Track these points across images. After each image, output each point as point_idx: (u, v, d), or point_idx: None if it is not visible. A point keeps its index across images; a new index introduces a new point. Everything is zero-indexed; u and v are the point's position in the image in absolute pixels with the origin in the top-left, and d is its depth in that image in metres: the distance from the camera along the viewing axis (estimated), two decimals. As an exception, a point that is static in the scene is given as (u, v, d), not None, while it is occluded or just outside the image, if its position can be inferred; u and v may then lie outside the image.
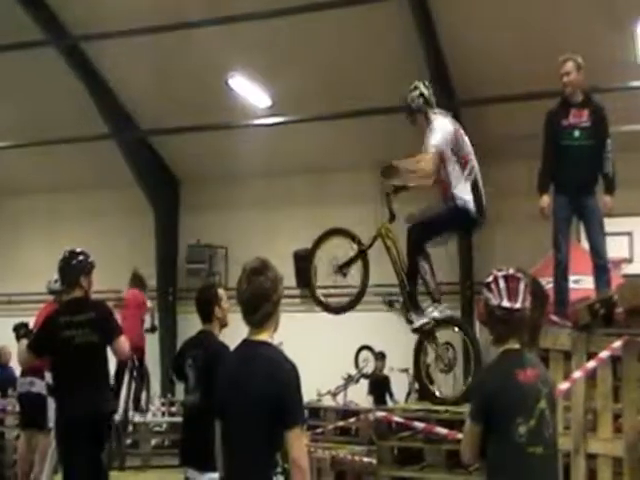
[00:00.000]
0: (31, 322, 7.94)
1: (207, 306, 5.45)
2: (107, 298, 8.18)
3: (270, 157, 15.31)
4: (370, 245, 7.06)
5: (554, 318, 6.62)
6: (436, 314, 6.83)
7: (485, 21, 12.41)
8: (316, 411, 12.94)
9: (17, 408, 9.56)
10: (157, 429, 13.55)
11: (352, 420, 10.99)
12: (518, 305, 3.90)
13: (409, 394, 13.10)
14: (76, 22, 14.02)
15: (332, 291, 7.51)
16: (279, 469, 3.52)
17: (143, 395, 11.97)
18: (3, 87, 15.06)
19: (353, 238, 7.11)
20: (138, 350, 11.31)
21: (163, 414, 14.22)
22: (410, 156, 6.73)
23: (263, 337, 3.67)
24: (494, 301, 3.92)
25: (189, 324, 14.84)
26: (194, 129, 14.85)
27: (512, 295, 3.91)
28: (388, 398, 13.36)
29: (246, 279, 3.65)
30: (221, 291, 5.52)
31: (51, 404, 7.49)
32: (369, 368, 13.84)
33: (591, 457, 5.91)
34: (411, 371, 10.58)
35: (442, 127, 6.65)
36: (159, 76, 14.62)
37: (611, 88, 11.24)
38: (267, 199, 16.09)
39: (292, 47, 13.46)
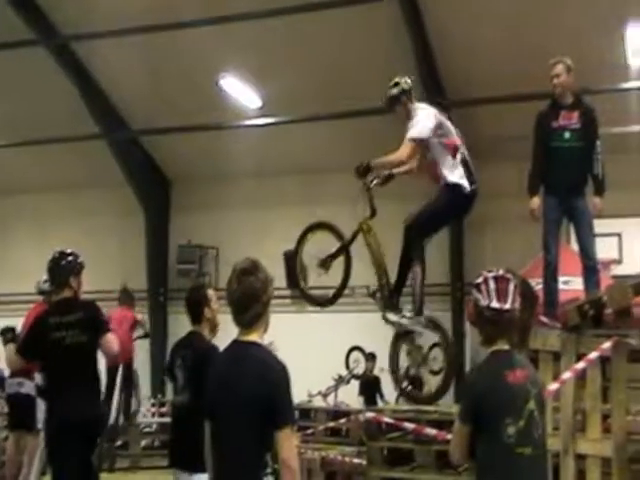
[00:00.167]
0: (20, 322, 7.96)
1: (197, 307, 5.44)
2: (97, 299, 8.13)
3: (261, 158, 15.30)
4: (351, 240, 7.05)
5: (543, 319, 6.64)
6: (409, 324, 6.82)
7: (475, 23, 12.43)
8: (307, 412, 12.93)
9: (5, 409, 9.53)
10: (147, 430, 13.52)
11: (342, 421, 10.99)
12: (507, 306, 3.92)
13: (399, 395, 13.10)
14: (66, 22, 13.98)
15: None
16: (269, 470, 3.52)
17: (133, 402, 12.07)
18: (-7, 86, 15.03)
19: (337, 233, 7.13)
20: (126, 364, 11.49)
21: (153, 415, 14.20)
22: (388, 153, 6.76)
23: (253, 338, 3.66)
24: (483, 302, 3.93)
25: (179, 324, 14.79)
26: (185, 129, 14.83)
27: (501, 296, 3.92)
28: (379, 399, 13.37)
29: (236, 279, 3.65)
30: (211, 292, 5.51)
31: (40, 405, 7.49)
32: (360, 369, 13.85)
33: (580, 457, 5.93)
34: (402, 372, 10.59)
35: (422, 117, 6.68)
36: (150, 76, 14.59)
37: (601, 90, 11.29)
38: (258, 200, 16.08)
39: (283, 48, 13.46)
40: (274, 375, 3.54)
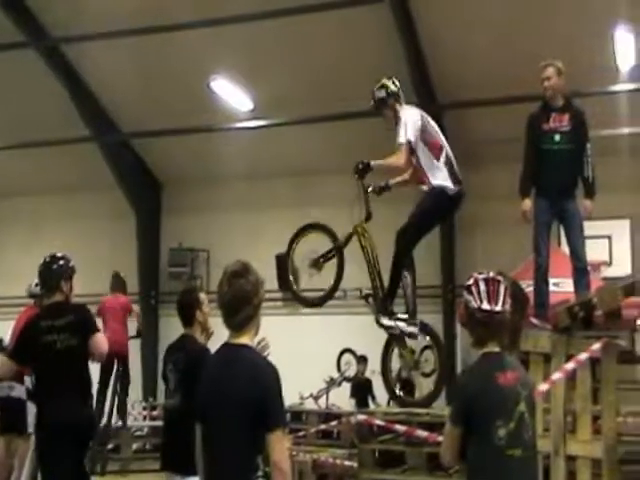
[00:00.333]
0: (10, 326, 7.95)
1: (188, 310, 5.44)
2: (88, 302, 8.12)
3: (252, 160, 15.30)
4: (346, 242, 7.07)
5: (534, 321, 6.66)
6: (403, 327, 6.85)
7: (467, 26, 12.47)
8: (298, 414, 12.93)
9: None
10: (138, 433, 13.48)
11: (334, 423, 11.00)
12: (498, 308, 3.93)
13: (390, 400, 13.12)
14: (56, 24, 13.95)
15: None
16: (260, 472, 3.52)
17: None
18: (-17, 89, 14.98)
19: (330, 234, 7.14)
20: (121, 356, 11.26)
21: (144, 418, 14.16)
22: (386, 156, 6.78)
23: (244, 340, 3.66)
24: (474, 304, 3.94)
25: (171, 327, 14.73)
26: (176, 132, 14.83)
27: (492, 298, 3.93)
28: (370, 401, 13.38)
29: (227, 282, 3.65)
30: (202, 295, 5.51)
31: (31, 409, 7.46)
32: (351, 371, 13.85)
33: (570, 459, 5.96)
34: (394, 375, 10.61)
35: (409, 118, 6.70)
36: (141, 78, 14.57)
37: (590, 93, 11.35)
38: (249, 202, 16.07)
39: (274, 50, 13.47)
40: (265, 377, 3.54)
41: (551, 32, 11.84)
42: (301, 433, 11.05)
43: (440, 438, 4.99)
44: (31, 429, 7.14)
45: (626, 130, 12.93)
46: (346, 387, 13.69)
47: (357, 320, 12.32)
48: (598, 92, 11.90)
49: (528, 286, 7.16)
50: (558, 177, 6.96)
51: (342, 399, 13.49)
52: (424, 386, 7.13)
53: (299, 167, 15.38)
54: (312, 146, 14.88)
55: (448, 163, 6.66)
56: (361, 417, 7.42)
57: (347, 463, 8.89)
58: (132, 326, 12.00)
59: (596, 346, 5.79)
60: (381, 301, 6.90)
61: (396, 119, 6.79)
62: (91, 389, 5.75)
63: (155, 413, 14.09)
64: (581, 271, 6.94)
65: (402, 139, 6.61)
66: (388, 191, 7.15)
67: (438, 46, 13.03)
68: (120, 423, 11.87)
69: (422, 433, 6.55)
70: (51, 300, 5.76)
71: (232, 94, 14.43)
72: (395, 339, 7.06)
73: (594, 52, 12.04)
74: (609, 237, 12.95)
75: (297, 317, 15.42)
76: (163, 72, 14.30)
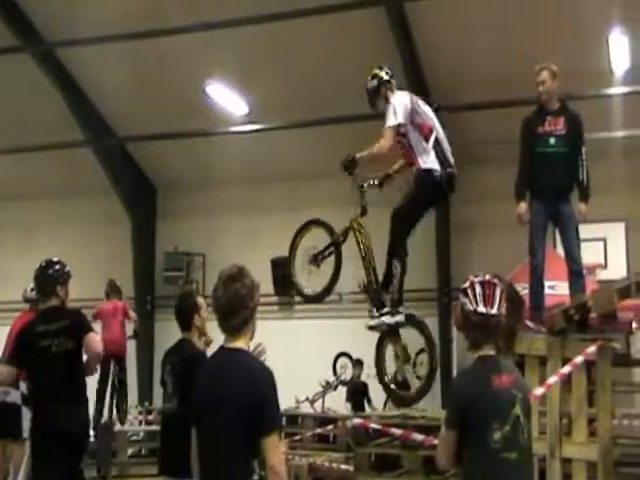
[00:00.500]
0: (6, 331, 7.94)
1: (186, 314, 5.44)
2: (84, 306, 8.11)
3: (248, 164, 15.29)
4: (344, 237, 7.10)
5: (529, 324, 6.66)
6: (388, 320, 6.86)
7: (462, 30, 12.49)
8: (294, 418, 12.92)
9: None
10: (134, 438, 13.45)
11: (330, 427, 11.00)
12: (494, 311, 3.93)
13: (387, 400, 13.12)
14: (51, 28, 13.94)
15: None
16: (256, 476, 3.51)
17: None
18: (-22, 94, 14.96)
19: (330, 230, 7.18)
20: (119, 357, 11.36)
21: (140, 423, 14.13)
22: (369, 146, 6.78)
23: (239, 344, 3.66)
24: (470, 306, 3.95)
25: (167, 332, 14.79)
26: (171, 136, 14.83)
27: (488, 301, 3.94)
28: (366, 405, 13.37)
29: (222, 286, 3.65)
30: (201, 300, 5.50)
31: (26, 414, 7.44)
32: (347, 375, 13.85)
33: (566, 461, 5.96)
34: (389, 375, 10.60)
35: (397, 103, 6.69)
36: (136, 83, 14.57)
37: (585, 95, 11.38)
38: (245, 206, 16.07)
39: (269, 55, 13.47)
40: (262, 382, 3.54)
41: (546, 35, 11.87)
42: (297, 437, 11.05)
43: (436, 441, 4.99)
44: (26, 434, 7.12)
45: (621, 133, 12.96)
46: (342, 391, 13.68)
47: (353, 324, 12.27)
48: (593, 95, 11.93)
49: (524, 289, 7.16)
50: (553, 180, 6.96)
51: (338, 403, 13.48)
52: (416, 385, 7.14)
53: (294, 171, 15.38)
54: (307, 150, 14.88)
55: (437, 146, 6.64)
56: (357, 421, 7.43)
57: (343, 467, 8.90)
58: (129, 328, 12.02)
59: (591, 349, 5.80)
60: (375, 293, 6.92)
61: (387, 106, 6.80)
62: (86, 393, 5.74)
63: (151, 417, 14.06)
64: (576, 274, 6.95)
65: (391, 122, 6.60)
66: (391, 180, 7.14)
67: (434, 49, 13.05)
68: (120, 424, 11.90)
69: (418, 436, 6.56)
70: (47, 305, 5.76)
71: (227, 98, 14.43)
72: (386, 335, 7.06)
73: (589, 55, 12.07)
74: (604, 240, 12.97)
75: (293, 321, 15.44)
76: (158, 76, 14.30)
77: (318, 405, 13.52)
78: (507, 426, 3.76)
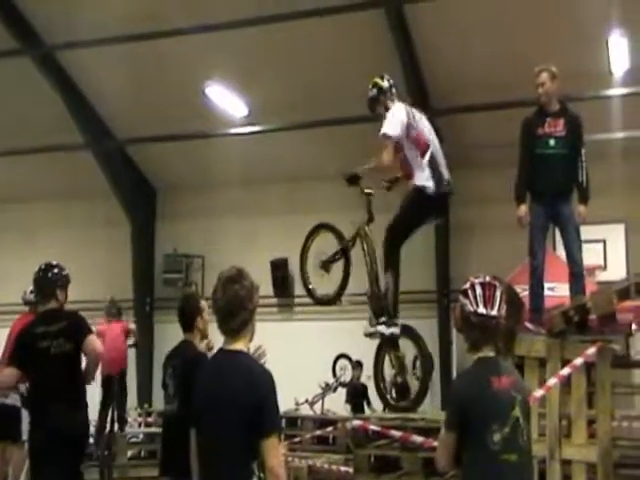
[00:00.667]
0: (5, 333, 7.94)
1: (189, 316, 5.46)
2: (84, 308, 8.11)
3: (247, 166, 15.30)
4: (352, 242, 7.17)
5: (529, 325, 6.66)
6: (382, 330, 6.90)
7: (461, 32, 12.50)
8: (293, 420, 12.92)
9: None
10: (134, 440, 13.45)
11: (329, 429, 10.99)
12: (494, 312, 3.93)
13: (384, 406, 13.11)
14: (51, 31, 13.95)
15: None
16: (255, 478, 3.51)
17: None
18: (-23, 96, 14.96)
19: (339, 235, 7.23)
20: (121, 374, 11.52)
21: (140, 425, 14.13)
22: (372, 158, 6.80)
23: (239, 346, 3.66)
24: (470, 307, 3.95)
25: (166, 334, 14.83)
26: (171, 138, 14.82)
27: (488, 302, 3.94)
28: (366, 406, 13.37)
29: (221, 288, 3.65)
30: (203, 302, 5.52)
31: (26, 416, 7.44)
32: (346, 377, 13.84)
33: (566, 463, 5.96)
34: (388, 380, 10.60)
35: (394, 114, 6.72)
36: (135, 85, 14.57)
37: (584, 97, 11.38)
38: (244, 208, 16.07)
39: (269, 56, 13.48)
40: (262, 384, 3.54)
41: (545, 37, 11.88)
42: (296, 439, 11.05)
43: (435, 443, 4.99)
44: (25, 436, 7.12)
45: (620, 134, 12.97)
46: (341, 392, 13.68)
47: (352, 325, 12.27)
48: (592, 96, 11.93)
49: (523, 290, 7.16)
50: (553, 182, 6.95)
51: (337, 404, 13.48)
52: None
53: (294, 173, 15.39)
54: (307, 152, 14.89)
55: (433, 163, 6.66)
56: (357, 422, 7.42)
57: (343, 469, 8.90)
58: (129, 340, 12.11)
59: (591, 350, 5.80)
60: (376, 301, 6.95)
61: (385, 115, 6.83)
62: (86, 395, 5.74)
63: (150, 420, 14.06)
64: (577, 275, 6.93)
65: (382, 131, 6.63)
66: (397, 185, 7.19)
67: (433, 52, 13.05)
68: (119, 431, 11.95)
69: (417, 438, 6.55)
70: (46, 307, 5.77)
71: (226, 100, 14.43)
72: (384, 344, 7.12)
73: (588, 57, 12.08)
74: (604, 241, 12.98)
75: (292, 322, 15.45)
76: (157, 78, 14.31)
77: (318, 407, 13.52)
78: (507, 428, 3.76)
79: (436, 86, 13.50)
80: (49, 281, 5.79)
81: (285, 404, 11.48)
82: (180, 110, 14.40)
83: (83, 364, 5.69)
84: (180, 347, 5.48)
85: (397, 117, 6.67)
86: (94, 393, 8.50)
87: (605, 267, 12.87)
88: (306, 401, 13.38)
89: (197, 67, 13.88)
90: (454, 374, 13.16)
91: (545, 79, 7.02)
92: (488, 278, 4.05)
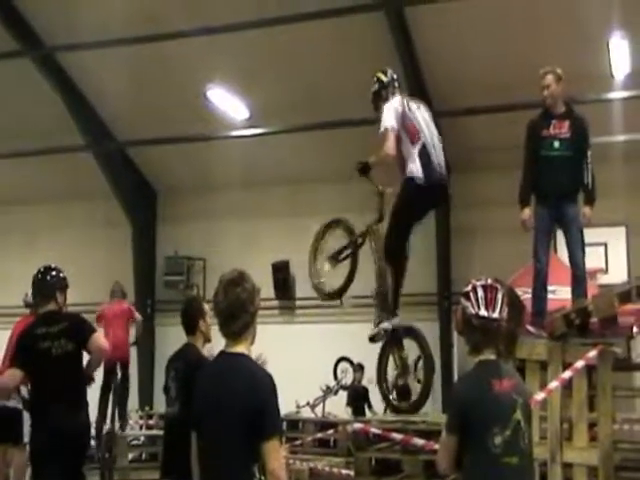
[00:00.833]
0: (6, 335, 7.94)
1: (192, 319, 5.49)
2: (84, 310, 8.13)
3: (248, 168, 15.31)
4: (362, 239, 7.18)
5: (530, 328, 6.66)
6: (385, 325, 6.93)
7: (462, 34, 12.50)
8: (294, 423, 12.90)
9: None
10: (135, 442, 13.43)
11: (330, 432, 10.99)
12: (496, 315, 3.93)
13: (386, 407, 13.10)
14: (52, 33, 13.96)
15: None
16: (256, 481, 3.52)
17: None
18: (-22, 98, 14.97)
19: (349, 231, 7.26)
20: (123, 362, 11.33)
21: (141, 427, 14.11)
22: (375, 152, 6.82)
23: (240, 349, 3.66)
24: (472, 310, 3.94)
25: (167, 336, 14.83)
26: (172, 140, 14.84)
27: (490, 305, 3.94)
28: (367, 409, 13.36)
29: (223, 290, 3.65)
30: (206, 305, 5.54)
31: (27, 419, 7.43)
32: (348, 379, 13.83)
33: (567, 466, 5.96)
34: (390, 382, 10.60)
35: (389, 107, 6.75)
36: (136, 87, 14.58)
37: (586, 100, 11.37)
38: (245, 210, 16.07)
39: (270, 59, 13.49)
40: (263, 387, 3.54)
41: (546, 40, 11.88)
42: (298, 442, 11.04)
43: (436, 446, 4.98)
44: (27, 439, 7.12)
45: (621, 137, 12.97)
46: (342, 395, 13.67)
47: (354, 328, 12.30)
48: (593, 99, 11.93)
49: (525, 293, 7.15)
50: (557, 184, 6.91)
51: (339, 407, 13.47)
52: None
53: (295, 175, 15.39)
54: (308, 154, 14.89)
55: (423, 153, 6.65)
56: (357, 425, 7.41)
57: (344, 471, 8.88)
58: (132, 332, 12.01)
59: (592, 353, 5.80)
60: (382, 301, 6.97)
61: None
62: (86, 395, 5.74)
63: (151, 422, 14.05)
64: (578, 278, 6.92)
65: (382, 125, 6.67)
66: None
67: (433, 54, 13.06)
68: (120, 430, 11.89)
69: (418, 441, 6.53)
70: (45, 309, 5.77)
71: (228, 102, 14.44)
72: (388, 343, 7.12)
73: (589, 59, 12.08)
74: (605, 244, 12.97)
75: (294, 325, 15.45)
76: (159, 81, 14.32)
77: (319, 410, 13.50)
78: (508, 431, 3.76)
79: (437, 88, 13.50)
80: (48, 283, 5.81)
81: (286, 407, 11.44)
82: (181, 112, 14.41)
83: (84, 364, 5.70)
84: (183, 350, 5.50)
85: (392, 109, 6.70)
86: (94, 394, 8.49)
87: (606, 270, 12.86)
88: (307, 404, 13.36)
89: (198, 69, 13.88)
90: (455, 377, 13.15)
91: (550, 81, 7.00)
92: (490, 281, 4.04)
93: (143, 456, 13.31)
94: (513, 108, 11.61)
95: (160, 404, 10.38)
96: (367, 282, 7.26)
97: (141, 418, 14.48)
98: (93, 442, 9.52)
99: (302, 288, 15.08)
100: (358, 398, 13.38)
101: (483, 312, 3.92)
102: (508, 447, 3.74)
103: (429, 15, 12.45)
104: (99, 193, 16.25)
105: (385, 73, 7.06)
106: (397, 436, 6.79)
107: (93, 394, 6.44)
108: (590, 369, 5.99)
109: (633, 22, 11.51)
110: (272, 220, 15.75)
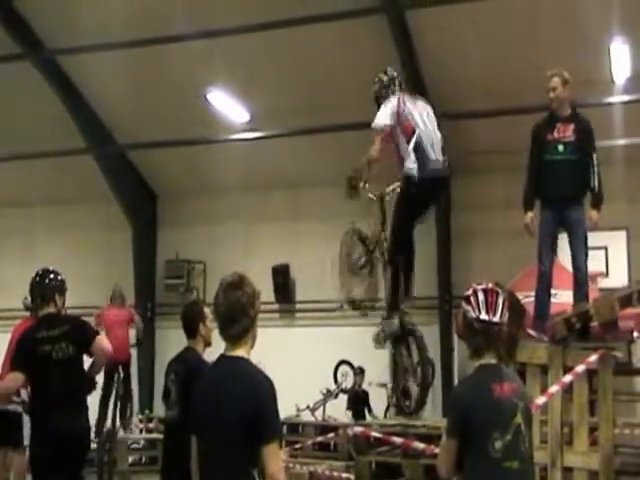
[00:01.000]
0: (6, 338, 7.92)
1: (192, 323, 5.50)
2: (83, 314, 8.12)
3: (248, 172, 15.31)
4: (374, 247, 7.24)
5: (531, 332, 6.65)
6: (385, 327, 6.96)
7: (463, 37, 12.51)
8: (295, 426, 12.88)
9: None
10: (135, 446, 13.41)
11: (331, 435, 10.97)
12: (496, 318, 3.93)
13: (388, 409, 13.10)
14: (52, 36, 13.97)
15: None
16: (255, 485, 3.50)
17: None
18: (-21, 101, 14.98)
19: (364, 239, 7.31)
20: (124, 363, 11.40)
21: (141, 431, 14.10)
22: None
23: (240, 352, 3.65)
24: (473, 314, 3.94)
25: (167, 339, 14.82)
26: (172, 144, 14.84)
27: (490, 308, 3.94)
28: (367, 413, 13.35)
29: (223, 294, 3.64)
30: (207, 309, 5.54)
31: (27, 422, 7.42)
32: (348, 383, 13.82)
33: (567, 470, 5.95)
34: (389, 386, 10.59)
35: (385, 106, 6.75)
36: (137, 90, 14.59)
37: (586, 104, 11.36)
38: (245, 214, 16.07)
39: (270, 62, 13.49)
40: (262, 391, 3.53)
41: (547, 43, 11.89)
42: (298, 445, 11.02)
43: (437, 450, 4.98)
44: (27, 442, 7.11)
45: (622, 141, 12.96)
46: (343, 399, 13.65)
47: (354, 332, 12.30)
48: (594, 104, 11.93)
49: (525, 297, 7.15)
50: (562, 187, 6.88)
51: (339, 411, 13.46)
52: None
53: (295, 178, 15.39)
54: (308, 158, 14.89)
55: (417, 149, 6.65)
56: (358, 429, 7.40)
57: (344, 475, 8.88)
58: (132, 334, 12.06)
59: (593, 357, 5.79)
60: (391, 297, 6.99)
61: None
62: (86, 398, 5.73)
63: (151, 425, 14.03)
64: (580, 282, 6.90)
65: (373, 124, 6.71)
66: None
67: (435, 57, 13.05)
68: (123, 430, 11.91)
69: (419, 445, 6.53)
70: (45, 312, 5.77)
71: (228, 106, 14.45)
72: (396, 340, 7.13)
73: (590, 64, 12.07)
74: (606, 248, 12.95)
75: (294, 329, 15.43)
76: (159, 84, 14.33)
77: (319, 413, 13.49)
78: (508, 435, 3.75)
79: (438, 91, 13.48)
80: (47, 286, 5.80)
81: (286, 410, 11.46)
82: (182, 115, 14.42)
83: (85, 366, 5.70)
84: (183, 354, 5.51)
85: (387, 108, 6.73)
86: (94, 396, 8.48)
87: (607, 274, 12.84)
88: (307, 407, 13.35)
89: (199, 73, 13.89)
90: (456, 381, 13.14)
91: (557, 84, 6.98)
92: (490, 284, 4.04)
93: (143, 460, 13.31)
94: (514, 112, 11.62)
95: (160, 407, 10.38)
96: (366, 286, 7.26)
97: (141, 422, 14.46)
98: (93, 445, 9.52)
99: (302, 292, 15.12)
100: (358, 402, 13.37)
101: (484, 316, 3.92)
102: (509, 451, 3.74)
103: (430, 18, 12.45)
104: (99, 196, 16.25)
105: (385, 73, 7.09)
106: (397, 440, 6.79)
107: (93, 396, 6.42)
108: (591, 373, 5.98)
109: (634, 27, 11.51)
110: (272, 224, 15.74)
